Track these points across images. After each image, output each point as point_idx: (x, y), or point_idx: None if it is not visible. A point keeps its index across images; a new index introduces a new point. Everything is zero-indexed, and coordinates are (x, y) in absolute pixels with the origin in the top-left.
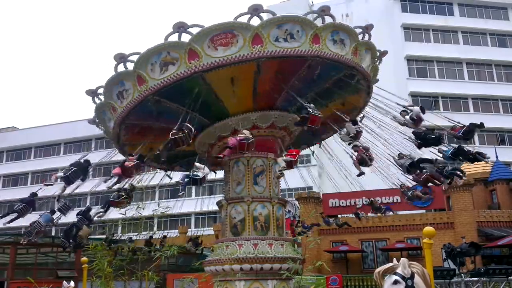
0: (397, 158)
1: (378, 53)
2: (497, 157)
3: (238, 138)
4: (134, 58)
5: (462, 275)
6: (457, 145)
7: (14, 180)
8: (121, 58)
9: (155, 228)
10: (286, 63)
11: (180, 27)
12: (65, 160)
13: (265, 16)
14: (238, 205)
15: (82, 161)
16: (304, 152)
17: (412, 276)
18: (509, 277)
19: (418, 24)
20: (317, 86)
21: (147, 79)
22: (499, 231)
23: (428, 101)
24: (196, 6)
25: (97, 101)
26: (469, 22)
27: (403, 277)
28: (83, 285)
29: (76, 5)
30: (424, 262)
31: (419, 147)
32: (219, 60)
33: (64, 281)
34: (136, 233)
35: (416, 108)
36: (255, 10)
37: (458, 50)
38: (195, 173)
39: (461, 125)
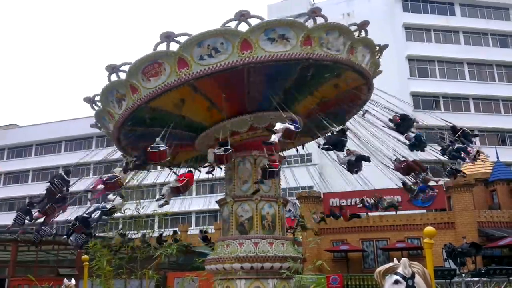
0: (345, 154)
1: (377, 48)
2: (498, 157)
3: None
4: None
5: (463, 275)
6: (418, 136)
7: (15, 177)
8: (113, 68)
9: (155, 227)
10: (277, 67)
11: (167, 36)
12: (65, 158)
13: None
14: (246, 204)
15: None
16: (304, 151)
17: (412, 276)
18: (510, 278)
19: (420, 24)
20: (308, 86)
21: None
22: (499, 231)
23: (429, 101)
24: (196, 10)
25: (96, 107)
26: (471, 22)
27: (403, 277)
28: (84, 283)
29: (77, 3)
30: (424, 262)
31: (327, 150)
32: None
33: (65, 278)
34: (144, 231)
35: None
36: (242, 15)
37: (459, 50)
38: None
39: (398, 116)
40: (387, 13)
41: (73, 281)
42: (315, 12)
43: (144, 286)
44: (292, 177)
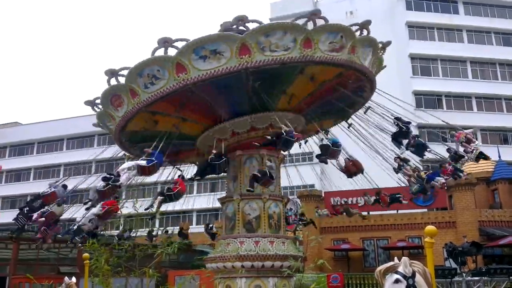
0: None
1: (380, 45)
2: (499, 156)
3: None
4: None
5: (464, 274)
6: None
7: (16, 175)
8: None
9: (157, 225)
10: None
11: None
12: (67, 156)
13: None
14: (254, 202)
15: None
16: (305, 149)
17: (413, 275)
18: (511, 277)
19: (423, 22)
20: (275, 87)
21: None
22: (500, 230)
23: (432, 100)
24: (198, 12)
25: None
26: (474, 20)
27: (404, 276)
28: (85, 281)
29: (79, 2)
30: (425, 261)
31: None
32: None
33: (66, 277)
34: (142, 229)
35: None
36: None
37: (462, 48)
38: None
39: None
40: (390, 11)
41: (73, 279)
42: (315, 14)
43: (144, 285)
44: (291, 176)
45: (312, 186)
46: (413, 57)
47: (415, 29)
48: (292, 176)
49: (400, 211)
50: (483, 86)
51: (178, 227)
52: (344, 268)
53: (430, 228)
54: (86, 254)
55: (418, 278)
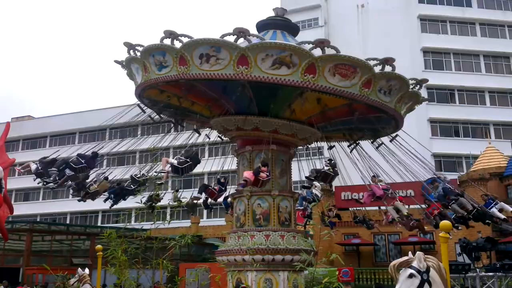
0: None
1: (412, 81)
2: None
3: None
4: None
5: (477, 270)
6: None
7: None
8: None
9: (167, 218)
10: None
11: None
12: (79, 149)
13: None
14: (263, 198)
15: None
16: (315, 144)
17: (427, 270)
18: None
19: (435, 15)
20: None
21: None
22: None
23: (444, 94)
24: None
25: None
26: (487, 13)
27: (418, 271)
28: (98, 273)
29: None
30: (437, 256)
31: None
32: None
33: (79, 268)
34: (151, 223)
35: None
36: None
37: (475, 42)
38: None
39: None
40: (402, 4)
41: (86, 270)
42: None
43: (157, 276)
44: (302, 170)
45: None
46: (426, 51)
47: (427, 23)
48: (304, 170)
49: (412, 206)
50: (496, 80)
51: (189, 220)
52: (355, 262)
53: (445, 223)
54: (99, 246)
55: (433, 273)
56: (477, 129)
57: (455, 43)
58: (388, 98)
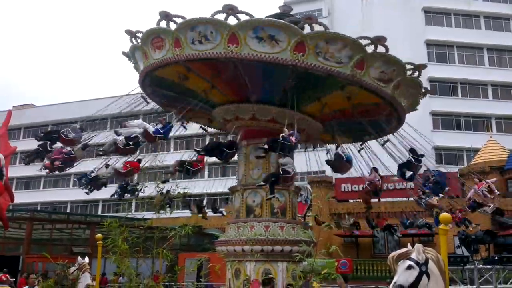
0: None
1: (410, 66)
2: None
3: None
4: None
5: (476, 262)
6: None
7: None
8: (166, 16)
9: (168, 209)
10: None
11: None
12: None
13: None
14: (256, 192)
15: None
16: None
17: (426, 262)
18: None
19: (440, 7)
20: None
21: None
22: None
23: (447, 87)
24: None
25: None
26: (492, 6)
27: (417, 263)
28: (98, 262)
29: None
30: (435, 248)
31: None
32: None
33: (79, 257)
34: (153, 212)
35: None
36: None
37: (479, 35)
38: None
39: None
40: None
41: (86, 259)
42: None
43: (157, 266)
44: (302, 162)
45: (323, 172)
46: (429, 43)
47: (431, 15)
48: (303, 162)
49: (411, 199)
50: (500, 73)
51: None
52: (353, 254)
53: (444, 215)
54: (99, 235)
55: (431, 265)
56: (479, 123)
57: (459, 36)
58: (384, 83)
